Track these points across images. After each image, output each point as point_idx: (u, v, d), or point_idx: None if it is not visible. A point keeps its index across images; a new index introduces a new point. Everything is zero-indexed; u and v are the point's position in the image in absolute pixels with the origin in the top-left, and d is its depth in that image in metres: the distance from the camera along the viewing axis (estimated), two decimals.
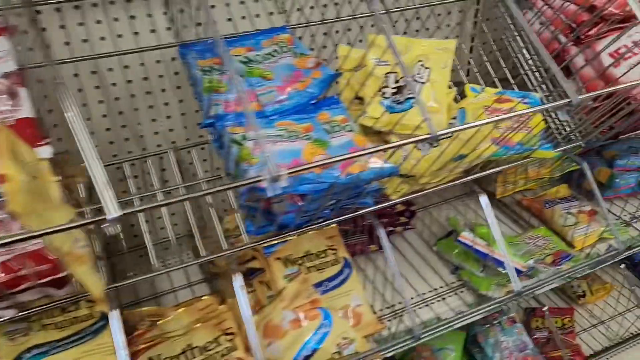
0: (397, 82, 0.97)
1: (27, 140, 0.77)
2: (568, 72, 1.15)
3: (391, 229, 1.30)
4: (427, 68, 0.96)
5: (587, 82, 1.10)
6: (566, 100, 0.80)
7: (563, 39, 1.14)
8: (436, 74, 0.97)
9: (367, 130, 0.94)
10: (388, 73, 0.98)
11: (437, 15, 1.28)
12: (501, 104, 1.09)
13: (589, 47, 1.10)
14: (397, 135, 0.93)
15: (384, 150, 0.76)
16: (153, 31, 1.03)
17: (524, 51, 1.18)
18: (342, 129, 0.86)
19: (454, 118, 0.93)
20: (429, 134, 0.73)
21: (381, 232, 0.97)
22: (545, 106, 0.84)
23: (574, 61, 1.12)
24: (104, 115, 1.07)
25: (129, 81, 1.06)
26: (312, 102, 0.91)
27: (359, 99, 0.99)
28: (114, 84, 1.05)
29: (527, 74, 1.18)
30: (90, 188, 0.96)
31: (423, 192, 0.97)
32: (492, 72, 1.16)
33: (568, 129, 1.12)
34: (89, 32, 0.98)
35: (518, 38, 1.19)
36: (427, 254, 1.26)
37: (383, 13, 1.14)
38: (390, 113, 0.93)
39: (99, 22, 0.98)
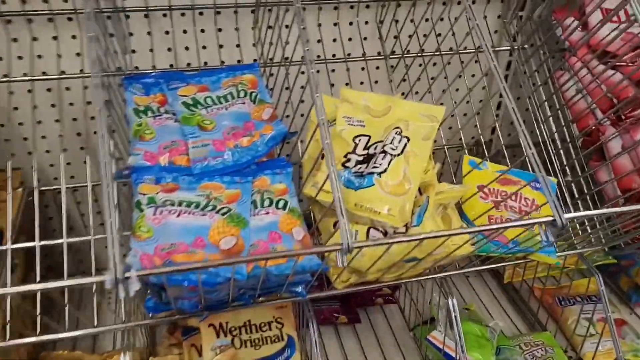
0: (366, 148, 0.81)
1: None
2: (601, 155, 0.93)
3: (372, 298, 1.14)
4: (404, 137, 0.79)
5: (620, 174, 0.88)
6: (547, 219, 0.61)
7: (600, 114, 0.92)
8: (414, 146, 0.79)
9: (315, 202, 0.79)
10: (359, 136, 0.82)
11: (460, 61, 1.10)
12: (503, 186, 0.90)
13: (628, 131, 0.87)
14: (351, 214, 0.77)
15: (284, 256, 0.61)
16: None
17: (550, 120, 0.97)
18: (273, 204, 0.71)
19: (420, 207, 0.76)
20: (340, 243, 0.57)
21: (313, 327, 0.82)
22: (521, 223, 0.64)
23: (609, 145, 0.90)
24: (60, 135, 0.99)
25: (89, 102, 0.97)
26: (256, 161, 0.77)
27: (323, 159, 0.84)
28: (71, 104, 0.97)
29: (548, 151, 0.97)
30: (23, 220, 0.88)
31: (378, 285, 0.81)
32: (501, 138, 0.96)
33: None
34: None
35: (545, 103, 0.99)
36: (404, 336, 1.08)
37: (380, 58, 0.98)
38: (347, 187, 0.77)
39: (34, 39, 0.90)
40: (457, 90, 1.12)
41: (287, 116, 1.04)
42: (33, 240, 0.79)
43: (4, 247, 0.76)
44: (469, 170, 0.90)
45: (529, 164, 0.73)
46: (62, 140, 0.91)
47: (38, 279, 0.77)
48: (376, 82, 1.02)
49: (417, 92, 1.06)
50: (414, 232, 0.71)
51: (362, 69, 1.05)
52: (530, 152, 0.68)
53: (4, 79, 0.87)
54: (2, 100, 0.93)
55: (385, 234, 0.76)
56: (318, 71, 0.90)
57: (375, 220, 0.75)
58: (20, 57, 0.90)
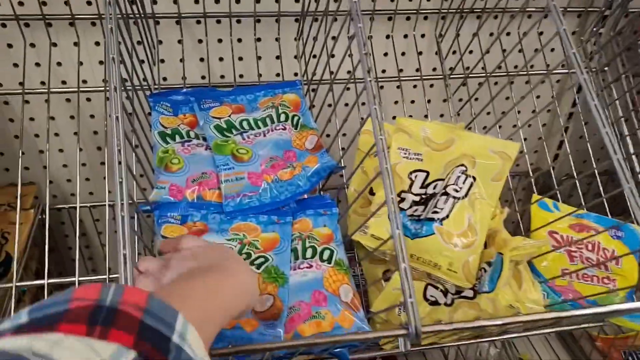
0: (424, 186, 0.70)
1: None
2: None
3: None
4: (470, 177, 0.68)
5: None
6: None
7: None
8: (482, 188, 0.68)
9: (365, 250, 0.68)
10: (415, 172, 0.71)
11: (525, 82, 0.97)
12: (578, 233, 0.78)
13: None
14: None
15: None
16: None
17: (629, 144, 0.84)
18: (317, 255, 0.61)
19: (489, 264, 0.64)
20: (405, 326, 0.46)
21: None
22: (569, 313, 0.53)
23: None
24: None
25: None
26: (297, 199, 0.67)
27: (373, 195, 0.73)
28: (92, 116, 0.88)
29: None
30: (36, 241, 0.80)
31: (433, 347, 0.70)
32: (574, 172, 0.84)
33: None
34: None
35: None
36: None
37: (438, 77, 0.86)
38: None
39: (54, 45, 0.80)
40: (518, 112, 1.00)
41: (328, 135, 0.94)
42: (44, 257, 0.70)
43: (8, 285, 0.67)
44: (538, 213, 0.78)
45: (629, 202, 0.59)
46: (81, 155, 0.81)
47: None
48: (429, 101, 0.91)
49: (472, 114, 0.94)
50: (486, 299, 0.59)
51: (414, 86, 0.94)
52: (628, 187, 0.56)
53: (19, 89, 0.78)
54: (17, 111, 0.85)
55: (445, 293, 0.65)
56: (381, 86, 0.80)
57: (434, 275, 0.64)
58: (37, 64, 0.81)
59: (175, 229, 0.61)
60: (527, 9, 0.85)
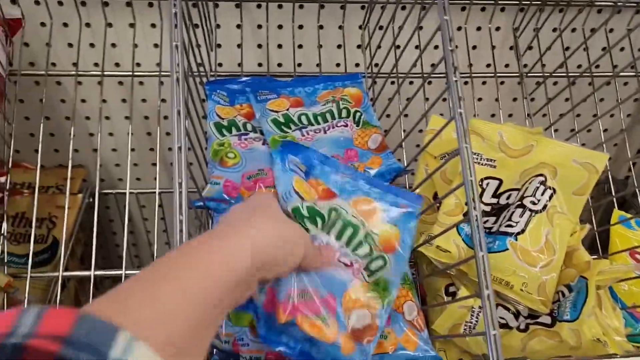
0: (496, 195, 0.64)
1: None
2: None
3: None
4: (549, 188, 0.62)
5: None
6: None
7: None
8: (563, 202, 0.62)
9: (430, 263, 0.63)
10: (487, 179, 0.65)
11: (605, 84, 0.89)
12: None
13: None
14: (473, 283, 0.61)
15: None
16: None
17: None
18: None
19: (568, 288, 0.58)
20: (484, 358, 0.41)
21: None
22: None
23: None
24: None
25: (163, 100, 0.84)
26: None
27: (435, 199, 0.68)
28: (143, 100, 0.85)
29: None
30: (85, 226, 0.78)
31: None
32: None
33: None
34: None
35: None
36: None
37: (513, 75, 0.79)
38: (468, 247, 0.61)
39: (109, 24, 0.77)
40: (594, 115, 0.92)
41: (385, 131, 0.89)
42: (91, 240, 0.67)
43: (55, 274, 0.65)
44: (618, 230, 0.71)
45: None
46: (131, 139, 0.79)
47: None
48: (496, 99, 0.84)
49: (544, 115, 0.87)
50: (568, 329, 0.53)
51: (483, 83, 0.87)
52: None
53: (73, 70, 0.75)
54: (70, 92, 0.82)
55: (517, 315, 0.59)
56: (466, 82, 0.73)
57: (504, 295, 0.59)
58: (92, 45, 0.78)
59: None
60: (619, 3, 0.76)
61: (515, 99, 0.90)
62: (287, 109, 0.67)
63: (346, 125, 0.66)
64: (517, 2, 0.77)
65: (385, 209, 0.52)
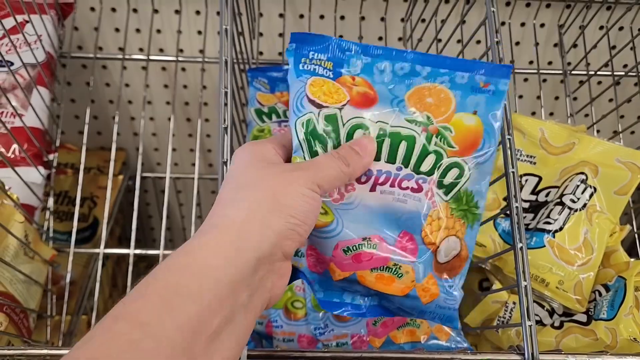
0: (535, 192, 0.64)
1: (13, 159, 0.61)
2: None
3: None
4: (590, 187, 0.61)
5: None
6: None
7: None
8: (603, 201, 0.61)
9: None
10: (526, 175, 0.64)
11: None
12: None
13: None
14: (508, 279, 0.60)
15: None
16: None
17: None
18: None
19: (606, 287, 0.57)
20: (521, 352, 0.40)
21: None
22: None
23: None
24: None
25: (205, 87, 0.86)
26: None
27: None
28: (185, 86, 0.87)
29: None
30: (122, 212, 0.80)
31: None
32: None
33: None
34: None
35: None
36: None
37: (556, 72, 0.78)
38: (505, 242, 0.61)
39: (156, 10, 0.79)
40: (638, 117, 0.89)
41: None
42: (129, 221, 0.69)
43: (97, 250, 0.67)
44: None
45: None
46: (171, 125, 0.80)
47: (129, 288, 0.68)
48: (538, 97, 0.83)
49: (586, 115, 0.85)
50: (604, 328, 0.52)
51: (525, 80, 0.86)
52: None
53: (119, 54, 0.77)
54: (115, 75, 0.85)
55: (551, 313, 0.58)
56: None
57: (540, 293, 0.58)
58: (138, 30, 0.80)
59: None
60: None
61: (557, 98, 0.88)
62: None
63: None
64: None
65: (459, 93, 0.41)
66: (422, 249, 0.40)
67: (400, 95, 0.40)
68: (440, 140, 0.40)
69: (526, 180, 0.64)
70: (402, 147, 0.39)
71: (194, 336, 0.28)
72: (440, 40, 0.72)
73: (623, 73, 0.74)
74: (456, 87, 0.41)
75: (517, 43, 0.82)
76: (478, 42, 0.80)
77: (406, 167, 0.39)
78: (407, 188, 0.39)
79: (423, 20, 0.77)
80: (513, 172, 0.44)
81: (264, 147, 0.38)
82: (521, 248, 0.42)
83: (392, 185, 0.39)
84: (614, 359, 0.44)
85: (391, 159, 0.39)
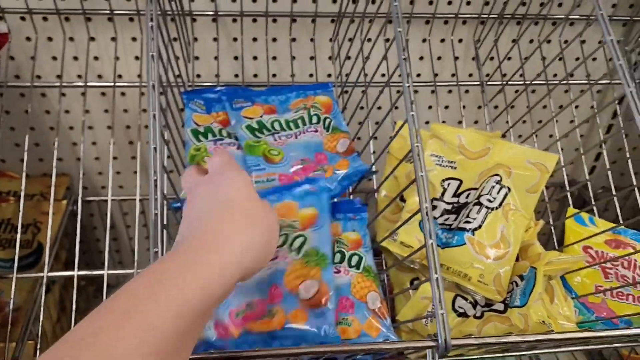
0: (457, 195, 0.69)
1: None
2: None
3: None
4: (504, 187, 0.66)
5: None
6: None
7: None
8: (517, 199, 0.66)
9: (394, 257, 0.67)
10: (448, 180, 0.70)
11: (563, 91, 0.95)
12: (614, 250, 0.76)
13: None
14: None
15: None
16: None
17: None
18: (345, 260, 0.60)
19: (521, 277, 0.63)
20: (435, 338, 0.45)
21: None
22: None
23: None
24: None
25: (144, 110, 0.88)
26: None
27: (404, 201, 0.72)
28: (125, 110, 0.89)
29: None
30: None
31: (458, 358, 0.68)
32: (612, 186, 0.81)
33: None
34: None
35: None
36: None
37: (474, 83, 0.84)
38: None
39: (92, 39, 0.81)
40: (556, 122, 0.97)
41: (359, 138, 0.93)
42: (74, 248, 0.71)
43: (40, 275, 0.68)
44: (573, 227, 0.76)
45: None
46: (113, 148, 0.82)
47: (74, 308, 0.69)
48: (464, 107, 0.89)
49: (507, 122, 0.92)
50: (517, 314, 0.58)
51: (450, 91, 0.92)
52: None
53: (57, 81, 0.79)
54: (54, 103, 0.86)
55: (474, 304, 0.63)
56: (416, 90, 0.77)
57: (463, 286, 0.63)
58: (75, 58, 0.82)
59: None
60: (571, 17, 0.82)
61: (480, 107, 0.95)
62: (261, 116, 0.71)
63: (316, 131, 0.71)
64: (477, 16, 0.82)
65: (299, 199, 0.59)
66: (286, 293, 0.52)
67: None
68: (289, 227, 0.57)
69: (448, 184, 0.70)
70: None
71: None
72: (368, 58, 0.77)
73: (535, 81, 0.80)
74: (296, 197, 0.59)
75: (439, 58, 0.88)
76: (405, 58, 0.86)
77: None
78: (270, 260, 0.51)
79: (350, 40, 0.82)
80: (422, 176, 0.49)
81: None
82: (432, 244, 0.47)
83: None
84: (516, 338, 0.49)
85: None
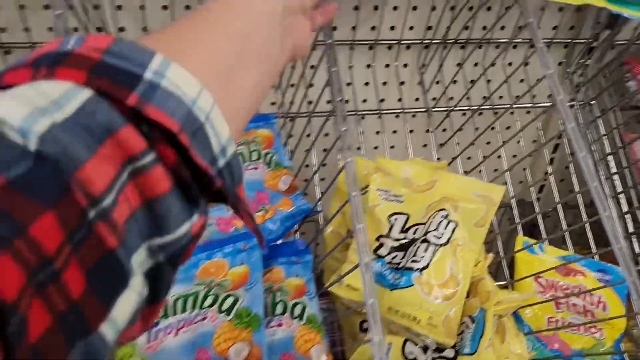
0: (404, 230, 0.66)
1: None
2: None
3: None
4: (452, 222, 0.64)
5: None
6: None
7: None
8: (465, 233, 0.64)
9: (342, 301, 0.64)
10: (395, 214, 0.67)
11: (510, 112, 0.94)
12: (564, 277, 0.75)
13: None
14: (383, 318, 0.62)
15: None
16: None
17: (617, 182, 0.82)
18: (288, 311, 0.57)
19: (472, 319, 0.61)
20: None
21: None
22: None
23: None
24: None
25: None
26: (269, 245, 0.63)
27: (352, 238, 0.69)
28: None
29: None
30: None
31: None
32: (561, 215, 0.81)
33: None
34: None
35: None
36: None
37: (421, 110, 0.82)
38: (379, 285, 0.63)
39: None
40: (503, 143, 0.97)
41: (307, 166, 0.90)
42: None
43: None
44: (522, 256, 0.74)
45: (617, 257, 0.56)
46: None
47: None
48: (411, 131, 0.87)
49: (458, 143, 0.91)
50: None
51: (397, 116, 0.90)
52: (617, 247, 0.53)
53: None
54: None
55: (425, 349, 0.61)
56: (362, 116, 0.74)
57: (413, 330, 0.60)
58: None
59: None
60: (514, 41, 0.81)
61: (428, 131, 0.93)
62: None
63: (256, 168, 0.67)
64: (420, 41, 0.81)
65: (229, 257, 0.57)
66: (214, 357, 0.50)
67: (192, 274, 0.55)
68: (219, 287, 0.54)
69: (395, 219, 0.67)
70: (190, 300, 0.53)
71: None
72: (313, 85, 0.74)
73: (481, 106, 0.79)
74: (226, 255, 0.57)
75: (385, 83, 0.86)
76: (348, 84, 0.83)
77: (193, 309, 0.53)
78: (197, 322, 0.52)
79: (293, 67, 0.79)
80: (360, 228, 0.46)
81: None
82: (372, 303, 0.44)
83: (188, 326, 0.51)
84: None
85: (184, 310, 0.53)
